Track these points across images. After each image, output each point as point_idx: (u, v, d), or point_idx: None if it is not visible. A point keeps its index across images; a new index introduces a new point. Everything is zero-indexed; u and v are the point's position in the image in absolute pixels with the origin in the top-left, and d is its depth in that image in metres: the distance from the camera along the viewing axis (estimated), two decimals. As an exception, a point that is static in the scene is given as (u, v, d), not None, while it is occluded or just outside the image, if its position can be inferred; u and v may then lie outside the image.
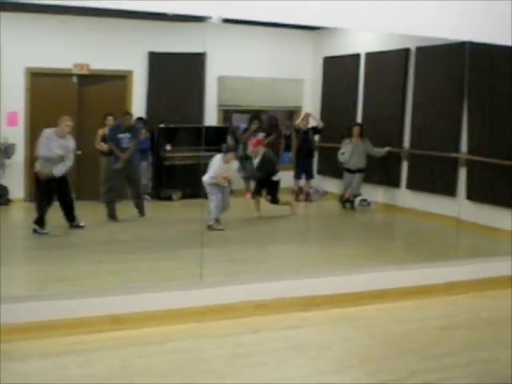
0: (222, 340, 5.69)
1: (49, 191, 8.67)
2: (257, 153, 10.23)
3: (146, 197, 10.24)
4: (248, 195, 10.56)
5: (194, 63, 10.19)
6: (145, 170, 10.51)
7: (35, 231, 8.59)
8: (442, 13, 7.19)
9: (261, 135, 10.44)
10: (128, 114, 10.14)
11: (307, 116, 11.30)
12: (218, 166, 9.28)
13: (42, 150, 8.65)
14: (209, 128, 10.35)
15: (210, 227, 8.86)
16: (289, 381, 4.92)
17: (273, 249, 8.39)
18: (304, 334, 5.92)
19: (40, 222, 8.60)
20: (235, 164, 9.61)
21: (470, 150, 9.48)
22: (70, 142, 8.72)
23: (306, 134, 11.27)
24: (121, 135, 9.78)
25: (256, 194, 10.26)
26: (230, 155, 9.46)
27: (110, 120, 10.21)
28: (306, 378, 4.96)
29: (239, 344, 5.60)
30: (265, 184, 10.22)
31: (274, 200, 10.18)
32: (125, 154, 9.69)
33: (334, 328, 6.11)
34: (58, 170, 8.64)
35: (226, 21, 6.44)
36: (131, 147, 9.75)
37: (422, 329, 6.16)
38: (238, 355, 5.37)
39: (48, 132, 8.67)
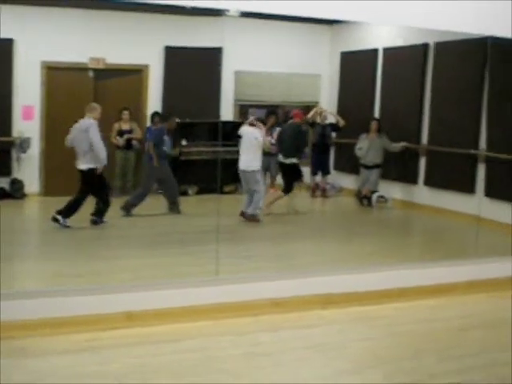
0: (239, 338, 5.60)
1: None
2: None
3: (161, 191, 10.19)
4: (270, 190, 10.52)
5: (211, 58, 10.18)
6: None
7: (95, 222, 8.70)
8: (463, 7, 7.07)
9: (278, 130, 10.35)
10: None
11: (320, 111, 11.22)
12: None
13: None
14: (225, 123, 10.30)
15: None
16: (307, 381, 4.83)
17: (289, 246, 8.30)
18: (322, 333, 5.83)
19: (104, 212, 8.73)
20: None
21: (489, 147, 9.35)
22: None
23: (323, 130, 11.19)
24: (165, 138, 9.77)
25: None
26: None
27: (126, 114, 10.19)
28: (325, 379, 4.86)
29: (256, 343, 5.52)
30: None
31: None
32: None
33: (353, 327, 6.02)
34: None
35: (243, 15, 6.36)
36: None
37: (441, 329, 6.05)
38: (254, 354, 5.29)
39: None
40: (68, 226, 8.52)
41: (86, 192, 8.66)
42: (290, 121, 10.35)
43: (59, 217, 8.52)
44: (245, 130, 9.50)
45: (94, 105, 8.75)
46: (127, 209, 9.42)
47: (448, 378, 4.93)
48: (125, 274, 6.77)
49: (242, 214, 9.37)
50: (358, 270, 6.85)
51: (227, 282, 6.20)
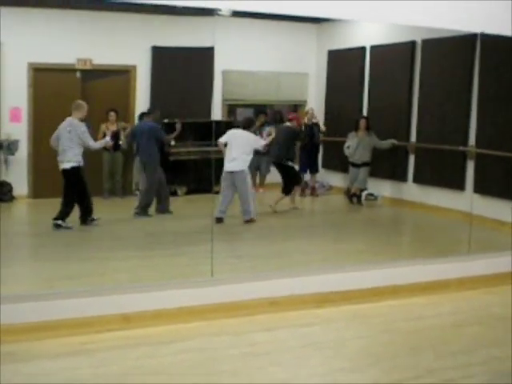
0: (235, 338, 5.60)
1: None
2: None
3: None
4: (260, 190, 10.56)
5: (199, 57, 10.13)
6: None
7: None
8: (452, 4, 7.10)
9: (267, 130, 10.36)
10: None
11: (307, 111, 11.25)
12: None
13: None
14: (214, 122, 10.26)
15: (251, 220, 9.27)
16: (305, 380, 4.83)
17: (282, 245, 8.29)
18: (318, 332, 5.83)
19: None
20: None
21: (479, 144, 9.37)
22: None
23: (310, 129, 11.19)
24: None
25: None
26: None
27: (112, 116, 10.14)
28: (323, 378, 4.87)
29: (252, 342, 5.52)
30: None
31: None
32: None
33: (348, 325, 6.03)
34: None
35: (233, 14, 6.35)
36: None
37: (436, 326, 6.07)
38: (251, 354, 5.28)
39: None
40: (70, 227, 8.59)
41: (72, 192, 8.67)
42: (288, 123, 10.47)
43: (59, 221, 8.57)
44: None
45: (79, 103, 8.83)
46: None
47: (446, 373, 4.96)
48: (119, 276, 6.75)
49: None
50: (351, 268, 6.86)
51: (222, 283, 6.19)
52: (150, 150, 9.81)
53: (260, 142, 9.64)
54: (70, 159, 8.62)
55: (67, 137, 8.61)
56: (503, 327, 6.05)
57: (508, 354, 5.36)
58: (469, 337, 5.82)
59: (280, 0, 6.36)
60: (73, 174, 8.62)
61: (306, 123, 11.18)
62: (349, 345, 5.53)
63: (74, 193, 8.65)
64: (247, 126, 9.59)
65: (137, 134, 9.91)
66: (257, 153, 9.97)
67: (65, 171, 8.61)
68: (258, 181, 10.91)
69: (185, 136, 10.78)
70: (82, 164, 8.68)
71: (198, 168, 10.30)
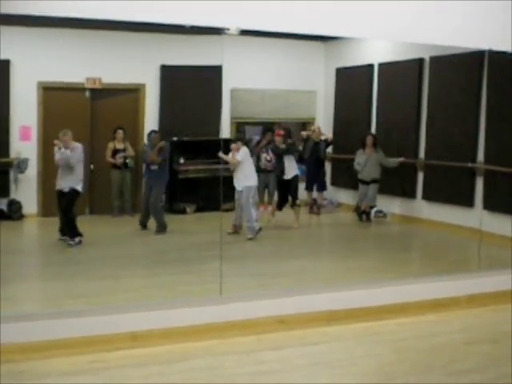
0: (244, 357, 5.58)
1: None
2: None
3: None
4: (262, 208, 10.52)
5: (207, 76, 10.17)
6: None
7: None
8: (460, 21, 7.12)
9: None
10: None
11: (314, 129, 11.26)
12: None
13: None
14: (222, 141, 10.29)
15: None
16: (314, 399, 4.81)
17: (290, 262, 8.26)
18: (328, 350, 5.81)
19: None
20: (244, 150, 9.66)
21: (488, 160, 9.35)
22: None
23: (317, 146, 11.18)
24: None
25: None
26: (239, 144, 9.64)
27: (120, 133, 10.17)
28: (332, 396, 4.85)
29: (262, 361, 5.49)
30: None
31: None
32: None
33: (358, 343, 5.99)
34: None
35: (242, 33, 6.37)
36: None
37: (446, 343, 6.04)
38: (260, 372, 5.26)
39: None
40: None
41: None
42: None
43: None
44: None
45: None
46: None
47: (457, 392, 4.93)
48: (127, 294, 6.74)
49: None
50: (360, 285, 6.85)
51: (231, 301, 6.18)
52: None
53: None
54: None
55: None
56: (514, 345, 6.01)
57: (518, 371, 5.34)
58: (480, 354, 5.78)
59: (288, 19, 6.39)
60: None
61: (313, 140, 11.17)
62: (358, 363, 5.50)
63: None
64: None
65: None
66: (262, 170, 10.01)
67: None
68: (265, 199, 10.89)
69: (194, 154, 10.81)
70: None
71: (207, 186, 10.29)
